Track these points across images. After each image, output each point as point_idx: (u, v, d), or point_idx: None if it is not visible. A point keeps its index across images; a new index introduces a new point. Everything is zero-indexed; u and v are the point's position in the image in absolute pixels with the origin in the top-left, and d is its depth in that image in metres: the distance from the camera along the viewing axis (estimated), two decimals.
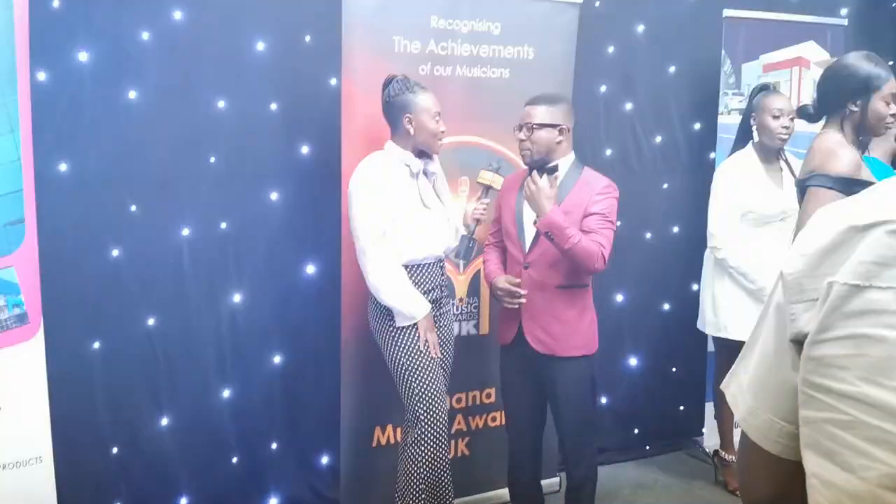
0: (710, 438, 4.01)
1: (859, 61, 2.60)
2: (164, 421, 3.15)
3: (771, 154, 3.51)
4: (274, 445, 3.37)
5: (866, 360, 0.71)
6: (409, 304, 2.75)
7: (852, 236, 0.75)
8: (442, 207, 2.94)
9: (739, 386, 0.89)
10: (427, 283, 2.86)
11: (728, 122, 3.95)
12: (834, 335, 0.74)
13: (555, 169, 2.78)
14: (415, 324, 2.76)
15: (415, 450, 2.78)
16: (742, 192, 3.43)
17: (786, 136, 3.43)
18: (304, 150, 3.27)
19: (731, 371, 0.92)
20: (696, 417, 4.18)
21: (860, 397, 0.71)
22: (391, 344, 2.80)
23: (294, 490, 3.39)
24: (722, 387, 0.93)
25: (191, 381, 3.19)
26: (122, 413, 3.07)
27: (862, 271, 0.73)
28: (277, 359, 3.33)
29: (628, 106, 4.01)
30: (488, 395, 3.41)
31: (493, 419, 3.44)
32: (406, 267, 2.80)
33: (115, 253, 3.02)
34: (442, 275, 2.95)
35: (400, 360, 2.79)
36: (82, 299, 2.96)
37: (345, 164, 2.92)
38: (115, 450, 3.07)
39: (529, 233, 2.82)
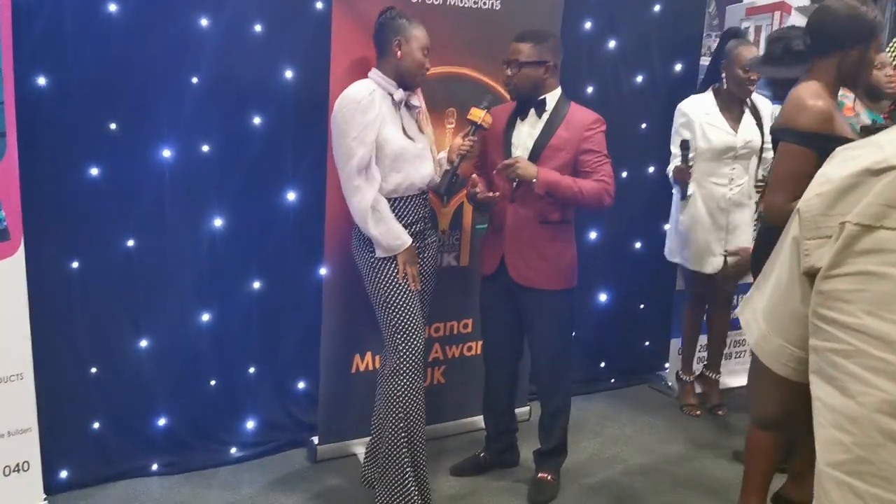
0: (673, 373, 4.16)
1: (863, 5, 2.45)
2: (143, 342, 3.14)
3: (732, 100, 3.58)
4: (252, 370, 3.39)
5: (870, 295, 0.77)
6: (391, 237, 2.75)
7: (867, 179, 0.79)
8: (424, 140, 2.93)
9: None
10: (411, 215, 2.86)
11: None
12: (843, 271, 0.79)
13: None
14: (395, 256, 2.79)
15: (393, 380, 2.82)
16: (690, 126, 3.61)
17: (753, 88, 3.53)
18: (289, 74, 3.21)
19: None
20: (661, 353, 4.33)
21: (863, 329, 0.77)
22: (372, 275, 2.82)
23: (271, 414, 3.43)
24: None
25: (170, 304, 3.18)
26: (102, 333, 3.06)
27: (873, 212, 0.78)
28: (257, 284, 3.33)
29: (611, 44, 4.00)
30: (465, 326, 3.47)
31: (469, 349, 3.51)
32: (389, 199, 2.79)
33: (95, 171, 2.96)
34: (425, 207, 2.95)
35: (380, 291, 2.82)
36: (61, 217, 2.90)
37: (332, 91, 2.88)
38: (93, 369, 3.06)
39: None
